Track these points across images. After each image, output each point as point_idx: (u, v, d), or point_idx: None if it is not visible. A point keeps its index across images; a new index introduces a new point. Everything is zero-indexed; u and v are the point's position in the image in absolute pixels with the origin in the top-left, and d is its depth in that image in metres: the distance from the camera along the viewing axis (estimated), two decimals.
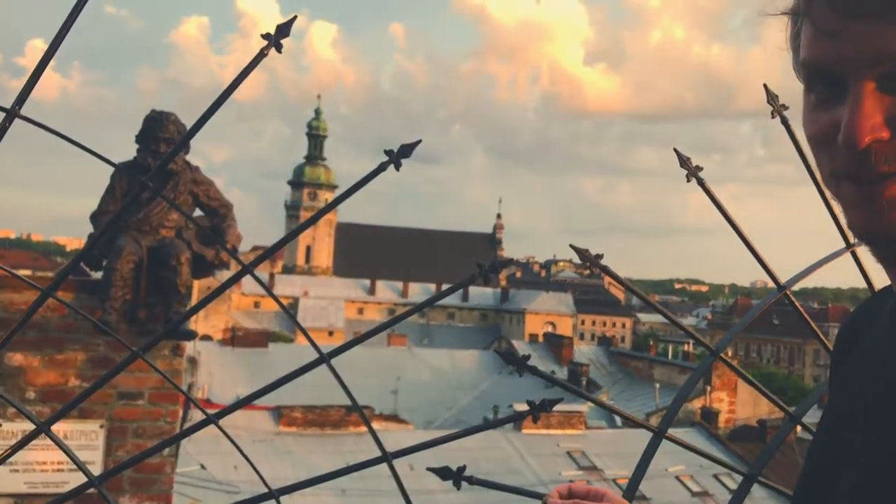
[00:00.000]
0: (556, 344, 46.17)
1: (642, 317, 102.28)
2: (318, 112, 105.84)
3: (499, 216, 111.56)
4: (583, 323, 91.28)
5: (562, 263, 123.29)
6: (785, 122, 1.77)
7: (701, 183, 1.71)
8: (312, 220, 1.43)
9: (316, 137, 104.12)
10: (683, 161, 1.70)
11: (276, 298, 1.37)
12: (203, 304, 1.32)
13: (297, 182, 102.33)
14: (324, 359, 1.39)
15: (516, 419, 1.55)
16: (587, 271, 1.83)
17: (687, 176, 1.70)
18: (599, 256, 1.69)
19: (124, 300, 4.42)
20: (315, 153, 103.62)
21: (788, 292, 1.78)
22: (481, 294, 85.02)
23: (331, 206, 1.41)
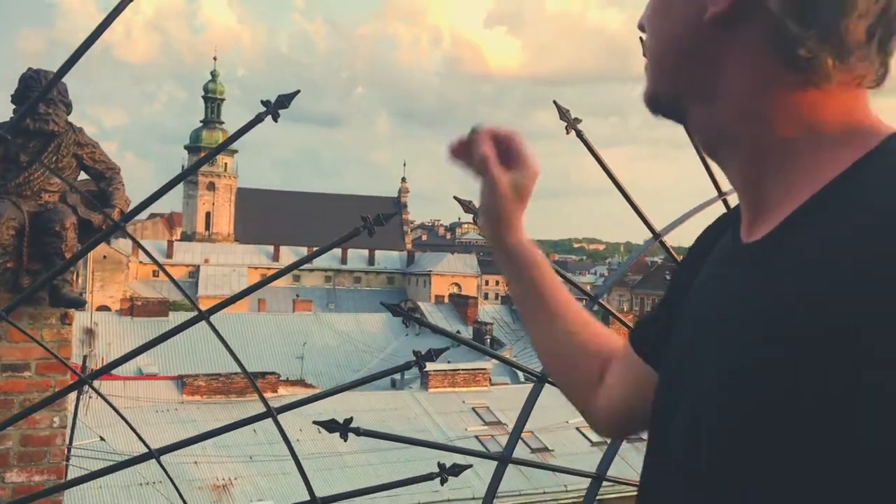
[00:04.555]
0: (461, 304, 46.78)
1: None
2: (214, 74, 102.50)
3: (403, 180, 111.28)
4: (487, 283, 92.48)
5: (466, 226, 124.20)
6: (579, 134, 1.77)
7: (580, 135, 1.75)
8: (186, 174, 1.40)
9: (213, 101, 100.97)
10: (563, 114, 1.74)
11: (153, 258, 1.34)
12: (71, 262, 1.27)
13: (194, 146, 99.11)
14: (203, 316, 1.37)
15: (403, 369, 1.57)
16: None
17: (566, 128, 1.74)
18: None
19: (5, 268, 4.22)
20: (212, 117, 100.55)
21: (664, 240, 1.86)
22: (387, 258, 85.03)
23: (204, 160, 1.38)
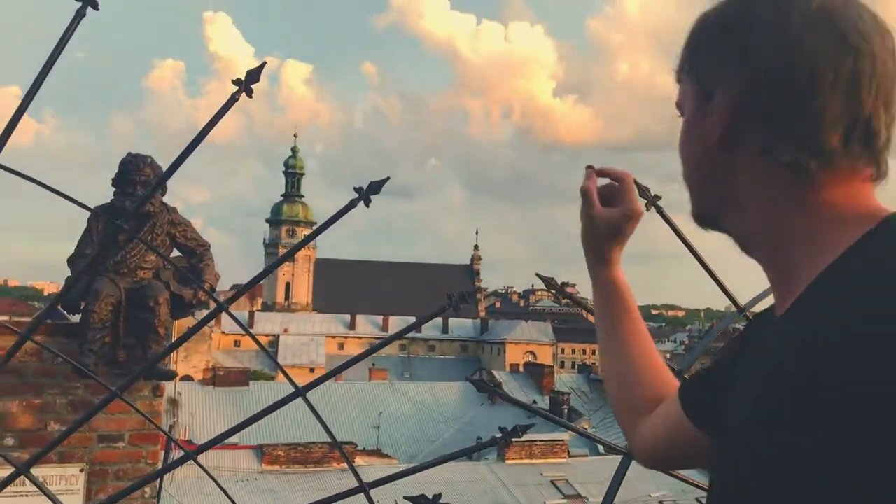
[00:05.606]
0: (536, 373, 46.14)
1: None
2: (294, 150, 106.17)
3: (476, 247, 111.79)
4: (563, 351, 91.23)
5: (540, 293, 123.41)
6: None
7: (660, 211, 1.78)
8: (285, 258, 1.48)
9: (293, 175, 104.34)
10: (642, 190, 1.78)
11: (251, 335, 1.42)
12: (179, 343, 1.36)
13: (275, 220, 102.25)
14: (299, 392, 1.43)
15: (489, 445, 1.60)
16: (565, 300, 1.89)
17: (646, 205, 1.77)
18: (566, 284, 1.76)
19: (103, 343, 4.42)
20: (292, 191, 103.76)
21: (749, 314, 1.85)
22: (461, 325, 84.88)
23: (302, 244, 1.46)
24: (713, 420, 0.95)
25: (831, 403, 0.66)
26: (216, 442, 1.45)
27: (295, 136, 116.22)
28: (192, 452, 1.43)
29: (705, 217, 0.92)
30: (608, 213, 1.15)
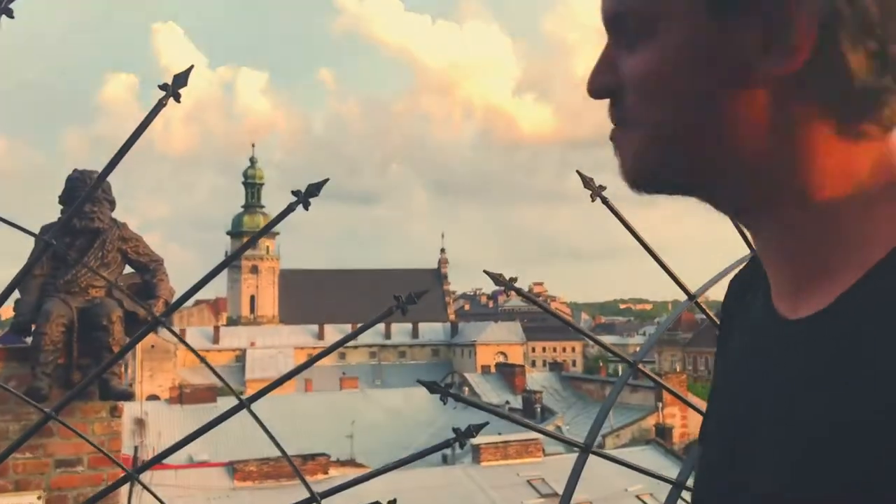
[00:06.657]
0: (508, 373, 46.33)
1: None
2: (253, 161, 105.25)
3: (443, 251, 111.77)
4: (533, 350, 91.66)
5: (509, 293, 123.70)
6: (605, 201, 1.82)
7: (605, 202, 1.76)
8: (217, 271, 1.44)
9: (253, 186, 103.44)
10: (587, 182, 1.76)
11: (184, 342, 1.37)
12: (111, 362, 1.31)
13: (236, 232, 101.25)
14: (244, 404, 1.39)
15: (443, 447, 1.57)
16: (521, 297, 1.87)
17: (591, 196, 1.75)
18: (514, 280, 1.73)
19: (56, 365, 4.32)
20: (253, 202, 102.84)
21: (699, 301, 1.85)
22: (431, 330, 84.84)
23: (238, 253, 1.42)
24: None
25: None
26: (158, 460, 1.40)
27: (253, 145, 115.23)
28: (134, 471, 1.38)
29: (676, 172, 0.66)
30: None
